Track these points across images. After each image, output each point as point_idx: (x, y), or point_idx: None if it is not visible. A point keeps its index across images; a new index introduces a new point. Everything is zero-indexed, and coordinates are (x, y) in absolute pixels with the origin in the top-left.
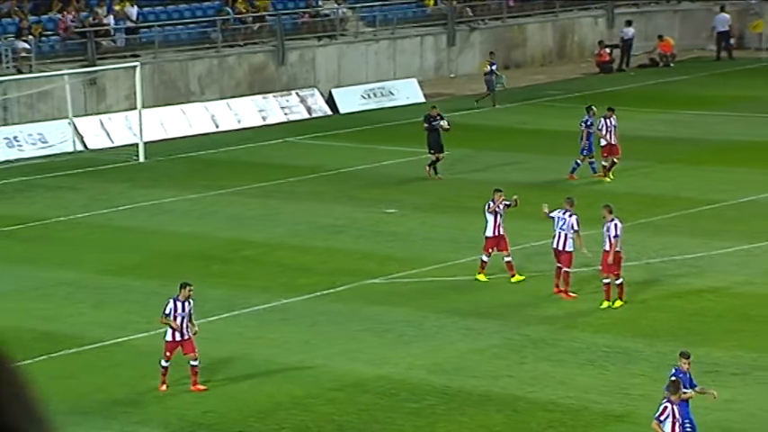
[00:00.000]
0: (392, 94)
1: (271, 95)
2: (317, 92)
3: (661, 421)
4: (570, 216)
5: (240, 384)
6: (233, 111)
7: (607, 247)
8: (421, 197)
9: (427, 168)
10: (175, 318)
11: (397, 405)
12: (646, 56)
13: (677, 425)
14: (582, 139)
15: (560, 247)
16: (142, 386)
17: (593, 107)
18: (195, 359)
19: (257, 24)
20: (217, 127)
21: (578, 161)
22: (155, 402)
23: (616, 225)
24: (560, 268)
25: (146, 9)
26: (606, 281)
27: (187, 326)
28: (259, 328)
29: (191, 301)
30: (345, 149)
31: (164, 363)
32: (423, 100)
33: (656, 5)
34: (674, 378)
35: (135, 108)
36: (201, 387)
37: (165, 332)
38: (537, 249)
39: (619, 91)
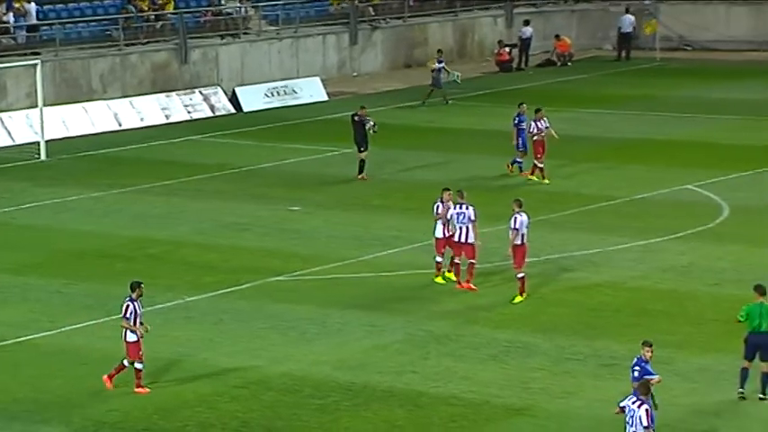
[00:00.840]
0: (295, 92)
1: (174, 94)
2: (220, 90)
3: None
4: (467, 209)
5: (144, 382)
6: (136, 109)
7: (517, 241)
8: (325, 195)
9: (359, 173)
10: (136, 319)
11: (302, 401)
12: (544, 55)
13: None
14: (515, 137)
15: (463, 240)
16: (44, 385)
17: (523, 104)
18: (141, 361)
19: (159, 22)
20: (120, 125)
21: (518, 159)
22: (57, 401)
23: (515, 219)
24: (458, 265)
25: (46, 7)
26: (521, 275)
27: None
28: (163, 326)
29: (140, 300)
30: (249, 148)
31: (137, 365)
32: (326, 98)
33: (554, 6)
34: (643, 380)
35: (36, 106)
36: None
37: (126, 333)
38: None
39: (518, 89)
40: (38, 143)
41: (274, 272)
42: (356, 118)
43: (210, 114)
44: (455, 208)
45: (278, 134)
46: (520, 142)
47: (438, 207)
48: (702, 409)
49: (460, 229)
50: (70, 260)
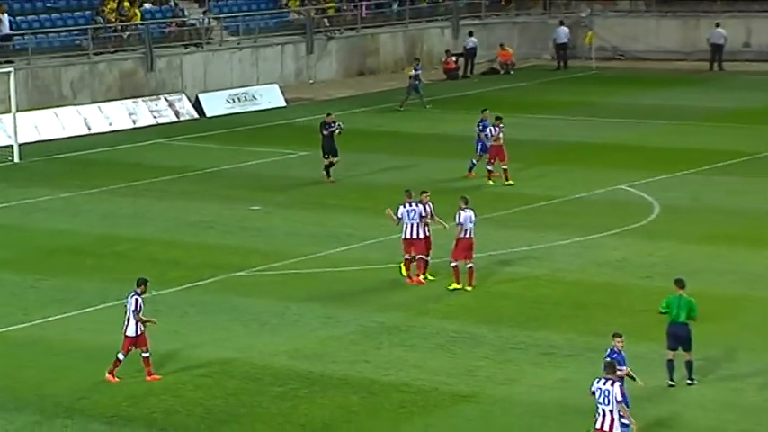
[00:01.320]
0: (255, 98)
1: (140, 100)
2: (184, 96)
3: (627, 403)
4: (418, 205)
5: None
6: (104, 114)
7: (461, 235)
8: (283, 195)
9: (324, 173)
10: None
11: (263, 389)
12: (488, 64)
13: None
14: (478, 140)
15: (414, 236)
16: (18, 375)
17: (486, 110)
18: (147, 351)
19: (127, 33)
20: (89, 130)
21: (474, 161)
22: (31, 390)
23: (459, 214)
24: (410, 260)
25: (19, 18)
26: (454, 264)
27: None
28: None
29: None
30: (212, 151)
31: (120, 356)
32: (284, 104)
33: (497, 18)
34: (608, 359)
35: (10, 112)
36: (157, 376)
37: (126, 327)
38: (390, 243)
39: (465, 96)
40: (11, 146)
41: (236, 267)
42: (324, 131)
43: (175, 119)
44: (405, 206)
45: (239, 138)
46: (479, 146)
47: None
48: (635, 394)
49: (411, 226)
50: (43, 257)
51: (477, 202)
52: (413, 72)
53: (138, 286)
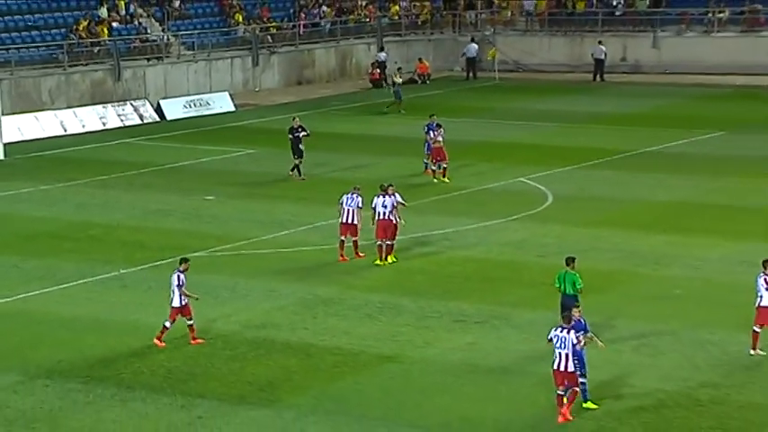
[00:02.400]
0: (209, 104)
1: (109, 105)
2: (147, 102)
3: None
4: (357, 197)
5: (87, 338)
6: (78, 117)
7: (378, 218)
8: (234, 187)
9: (291, 173)
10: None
11: (216, 352)
12: (408, 75)
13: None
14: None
15: (349, 221)
16: (5, 341)
17: (433, 115)
18: (191, 319)
19: (97, 48)
20: (65, 131)
21: (425, 160)
22: (16, 354)
23: (383, 202)
24: (343, 242)
25: (3, 35)
26: (379, 243)
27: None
28: (103, 293)
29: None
30: (172, 149)
31: (167, 324)
32: (234, 109)
33: (415, 36)
34: (565, 314)
35: None
36: (200, 340)
37: (172, 299)
38: (325, 227)
39: (388, 103)
40: None
41: (193, 249)
42: (291, 135)
43: (139, 122)
44: (348, 195)
45: (195, 138)
46: (426, 147)
47: (377, 201)
48: (532, 355)
49: (348, 211)
50: (25, 241)
51: (401, 192)
52: (399, 80)
53: (180, 264)
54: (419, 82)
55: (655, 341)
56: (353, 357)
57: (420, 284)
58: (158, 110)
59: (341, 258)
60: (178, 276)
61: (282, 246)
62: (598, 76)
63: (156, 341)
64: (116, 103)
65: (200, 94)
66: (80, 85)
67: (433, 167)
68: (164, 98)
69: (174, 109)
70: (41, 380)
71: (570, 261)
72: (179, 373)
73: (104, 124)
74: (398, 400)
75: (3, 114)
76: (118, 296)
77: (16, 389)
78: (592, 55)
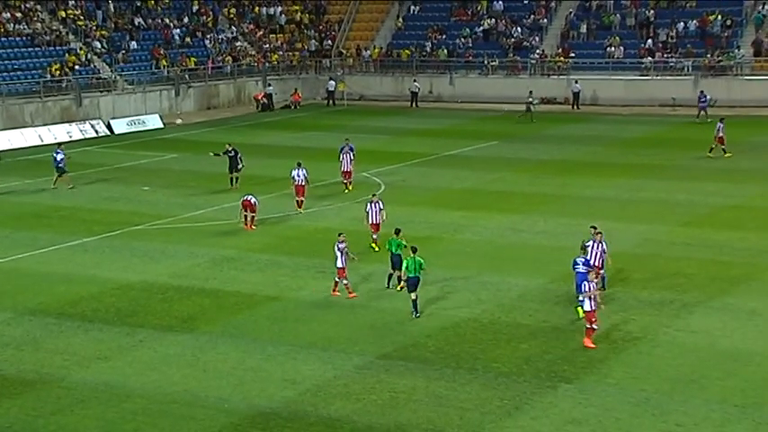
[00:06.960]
0: (144, 122)
1: (74, 124)
2: (101, 121)
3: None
4: (302, 169)
5: (59, 287)
6: (52, 132)
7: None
8: (163, 180)
9: (231, 185)
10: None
11: (151, 296)
12: (285, 102)
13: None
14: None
15: (252, 201)
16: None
17: (347, 139)
18: (346, 279)
19: (65, 82)
20: (42, 141)
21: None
22: (8, 298)
23: (298, 173)
24: (247, 215)
25: None
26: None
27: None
28: (70, 256)
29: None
30: (119, 154)
31: (337, 279)
32: (162, 126)
33: (290, 75)
34: (584, 245)
35: None
36: (354, 294)
37: (336, 261)
38: (229, 209)
39: (271, 122)
40: None
41: (135, 223)
42: (225, 153)
43: (95, 135)
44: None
45: (135, 146)
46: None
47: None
48: (372, 296)
49: (248, 200)
50: (13, 219)
51: (260, 182)
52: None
53: (339, 235)
54: (292, 107)
55: (453, 283)
56: (249, 298)
57: (294, 247)
58: (109, 126)
59: (245, 226)
60: (337, 246)
61: (199, 221)
62: (414, 103)
63: (333, 293)
64: (79, 122)
65: (138, 115)
66: (52, 109)
67: (345, 181)
68: (113, 118)
69: (120, 126)
70: (27, 316)
71: (397, 231)
72: (125, 310)
73: (70, 137)
74: (281, 327)
75: None
76: (81, 258)
77: (9, 323)
78: (409, 89)
